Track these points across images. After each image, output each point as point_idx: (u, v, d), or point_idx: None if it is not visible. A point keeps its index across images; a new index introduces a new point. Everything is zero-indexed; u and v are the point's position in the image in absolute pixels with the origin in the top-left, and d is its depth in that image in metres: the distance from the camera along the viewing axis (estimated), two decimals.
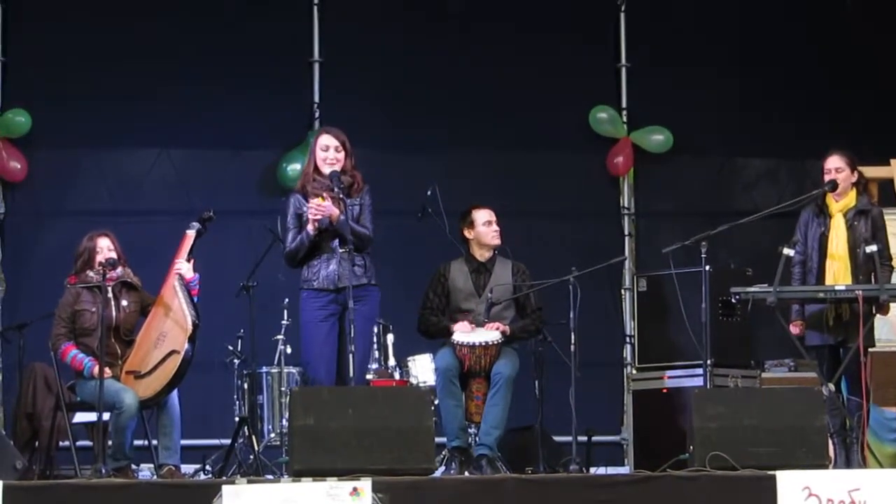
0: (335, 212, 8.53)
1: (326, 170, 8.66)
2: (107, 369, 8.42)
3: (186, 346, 8.55)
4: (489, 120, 11.86)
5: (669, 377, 9.93)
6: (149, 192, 11.68)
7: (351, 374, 8.29)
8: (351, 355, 8.28)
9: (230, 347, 10.21)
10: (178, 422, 8.59)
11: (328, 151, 8.71)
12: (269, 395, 10.17)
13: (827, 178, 8.92)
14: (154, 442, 8.72)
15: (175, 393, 8.61)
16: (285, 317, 10.12)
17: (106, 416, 8.45)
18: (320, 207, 8.54)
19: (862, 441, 8.57)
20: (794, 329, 8.87)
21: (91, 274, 8.70)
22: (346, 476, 7.37)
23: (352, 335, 8.28)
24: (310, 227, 8.57)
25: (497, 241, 9.38)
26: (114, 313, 8.66)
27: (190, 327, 8.58)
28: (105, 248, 8.76)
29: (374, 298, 8.70)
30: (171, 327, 8.62)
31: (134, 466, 8.76)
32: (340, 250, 8.55)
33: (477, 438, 9.05)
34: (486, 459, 8.86)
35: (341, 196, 8.56)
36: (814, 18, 12.12)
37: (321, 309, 8.56)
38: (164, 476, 8.39)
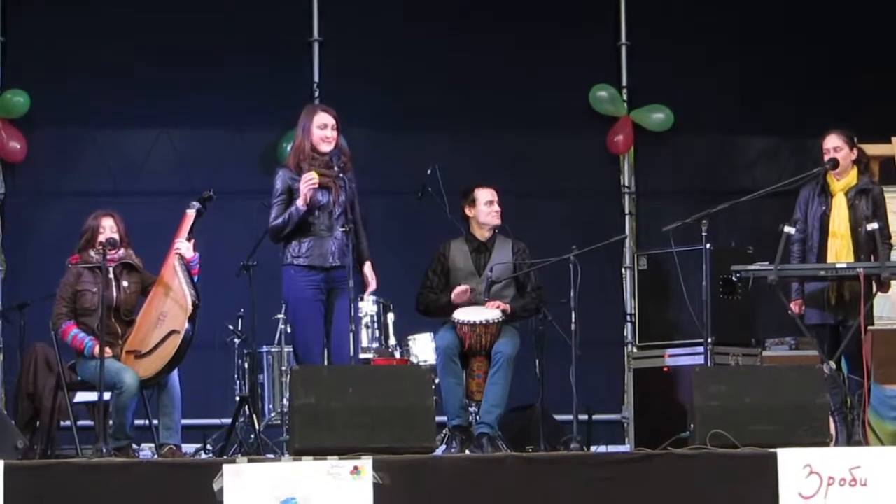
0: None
1: (325, 147, 8.64)
2: (107, 349, 8.42)
3: (186, 325, 8.53)
4: (489, 99, 11.83)
5: (670, 356, 9.92)
6: (149, 172, 11.67)
7: (351, 352, 8.32)
8: (351, 334, 8.30)
9: (230, 327, 10.22)
10: (178, 401, 8.59)
11: (326, 129, 8.68)
12: (270, 375, 10.19)
13: (826, 157, 8.91)
14: (155, 422, 8.71)
15: (175, 373, 8.60)
16: None
17: (106, 395, 8.44)
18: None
19: (863, 419, 8.57)
20: (794, 307, 8.87)
21: (92, 254, 8.68)
22: (347, 455, 7.37)
23: (351, 314, 8.30)
24: (300, 203, 8.52)
25: (497, 221, 9.35)
26: (114, 294, 8.65)
27: (190, 307, 8.56)
28: (108, 227, 8.73)
29: (356, 279, 8.69)
30: (171, 307, 8.61)
31: (135, 446, 8.76)
32: (342, 230, 8.55)
33: (478, 417, 9.05)
34: (487, 438, 8.86)
35: (340, 175, 8.56)
36: None
37: (313, 287, 8.55)
38: (165, 455, 8.39)
